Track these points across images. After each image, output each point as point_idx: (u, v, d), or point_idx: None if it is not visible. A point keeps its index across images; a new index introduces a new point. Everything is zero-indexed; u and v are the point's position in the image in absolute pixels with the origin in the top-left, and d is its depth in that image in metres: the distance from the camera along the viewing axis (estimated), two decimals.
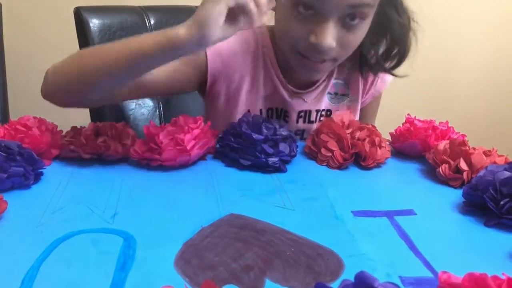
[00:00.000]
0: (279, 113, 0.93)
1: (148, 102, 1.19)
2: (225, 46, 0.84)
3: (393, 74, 0.92)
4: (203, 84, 0.88)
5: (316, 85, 0.92)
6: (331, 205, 0.62)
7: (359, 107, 0.99)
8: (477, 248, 0.54)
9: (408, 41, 0.85)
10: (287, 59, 0.84)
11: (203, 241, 0.51)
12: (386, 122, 0.96)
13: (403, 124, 0.86)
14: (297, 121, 0.94)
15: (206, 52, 0.84)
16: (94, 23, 1.08)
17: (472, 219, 0.61)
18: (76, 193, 0.61)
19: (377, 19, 0.80)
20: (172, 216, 0.56)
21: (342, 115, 0.81)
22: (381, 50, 0.89)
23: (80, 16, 1.07)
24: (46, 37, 1.54)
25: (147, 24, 1.17)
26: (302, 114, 0.93)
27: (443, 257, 0.51)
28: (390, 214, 0.61)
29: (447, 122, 0.86)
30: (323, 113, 0.95)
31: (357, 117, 0.98)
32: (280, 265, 0.47)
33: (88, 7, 1.09)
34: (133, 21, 1.15)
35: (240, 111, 0.90)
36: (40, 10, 1.52)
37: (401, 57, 0.87)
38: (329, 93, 0.94)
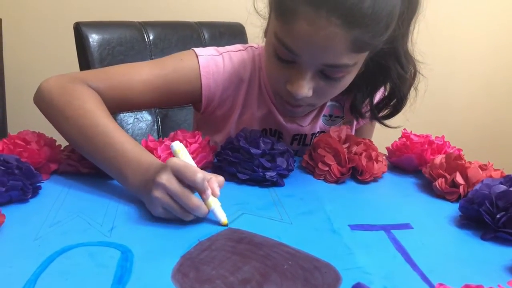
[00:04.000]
0: (273, 133, 0.92)
1: (147, 116, 1.19)
2: (221, 71, 0.84)
3: (385, 125, 0.89)
4: (197, 103, 0.88)
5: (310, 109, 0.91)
6: (328, 218, 0.63)
7: (354, 129, 0.98)
8: (473, 261, 0.54)
9: (407, 95, 0.83)
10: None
11: (200, 254, 0.51)
12: (383, 137, 0.97)
13: (399, 138, 0.87)
14: (292, 143, 0.94)
15: (201, 81, 0.83)
16: (94, 38, 1.09)
17: (469, 233, 0.61)
18: (74, 207, 0.61)
19: (375, 70, 0.79)
20: (169, 229, 0.56)
21: (339, 130, 0.81)
22: (376, 98, 0.88)
23: (79, 31, 1.08)
24: (45, 52, 1.55)
25: (146, 40, 1.19)
26: (297, 137, 0.93)
27: (439, 270, 0.51)
28: (387, 228, 0.61)
29: (443, 137, 0.86)
30: (318, 135, 0.94)
31: None
32: (277, 278, 0.47)
33: (87, 23, 1.11)
34: (132, 36, 1.16)
35: (232, 132, 0.90)
36: (40, 25, 1.54)
37: (396, 109, 0.86)
38: (324, 115, 0.94)
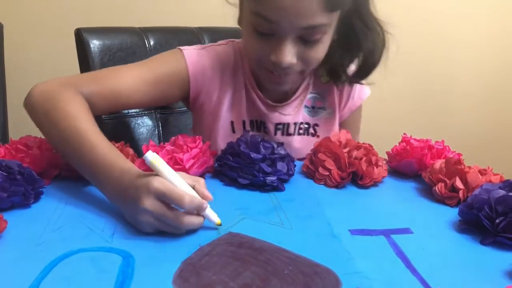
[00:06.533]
0: (258, 125, 0.95)
1: (147, 122, 1.20)
2: (207, 63, 0.89)
3: (360, 83, 0.95)
4: (186, 98, 0.92)
5: (292, 99, 0.95)
6: (328, 223, 0.63)
7: (337, 120, 1.00)
8: (473, 266, 0.54)
9: (378, 53, 0.87)
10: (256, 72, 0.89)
11: (201, 259, 0.51)
12: (383, 141, 0.97)
13: (399, 143, 0.87)
14: (275, 133, 0.96)
15: (188, 70, 0.88)
16: (95, 44, 1.09)
17: (468, 237, 0.61)
18: (75, 212, 0.62)
19: (345, 33, 0.83)
20: (170, 235, 0.56)
21: (339, 134, 0.82)
22: (352, 62, 0.91)
23: (80, 37, 1.09)
24: (47, 57, 1.55)
25: (147, 45, 1.19)
26: (280, 126, 0.96)
27: (439, 275, 0.51)
28: (387, 233, 0.61)
29: (443, 141, 0.87)
30: (302, 126, 0.97)
31: (336, 129, 1.00)
32: (278, 283, 0.48)
33: (88, 28, 1.11)
34: (133, 42, 1.17)
35: (223, 125, 0.93)
36: (41, 30, 1.54)
37: (369, 68, 0.89)
38: (306, 106, 0.97)
